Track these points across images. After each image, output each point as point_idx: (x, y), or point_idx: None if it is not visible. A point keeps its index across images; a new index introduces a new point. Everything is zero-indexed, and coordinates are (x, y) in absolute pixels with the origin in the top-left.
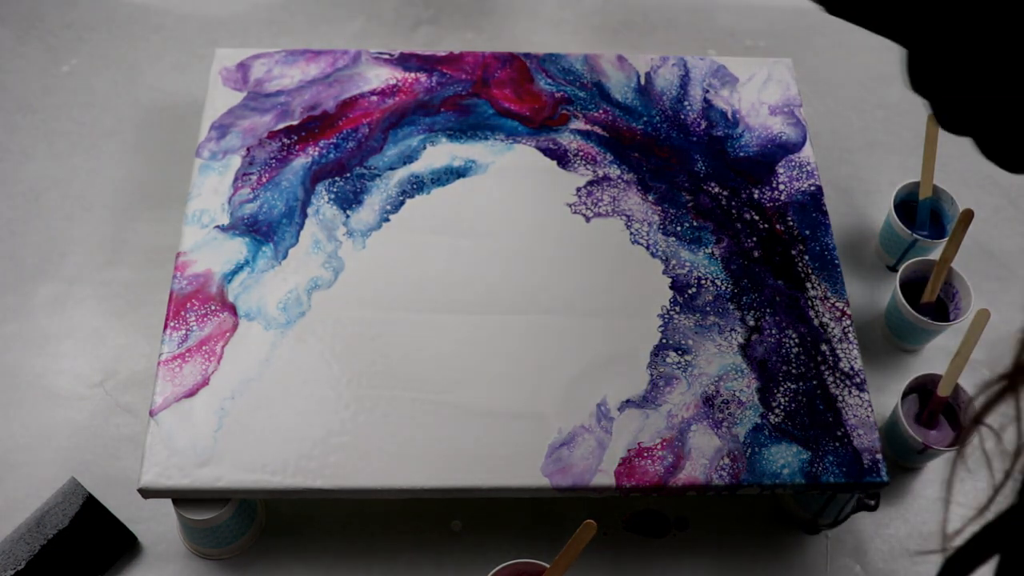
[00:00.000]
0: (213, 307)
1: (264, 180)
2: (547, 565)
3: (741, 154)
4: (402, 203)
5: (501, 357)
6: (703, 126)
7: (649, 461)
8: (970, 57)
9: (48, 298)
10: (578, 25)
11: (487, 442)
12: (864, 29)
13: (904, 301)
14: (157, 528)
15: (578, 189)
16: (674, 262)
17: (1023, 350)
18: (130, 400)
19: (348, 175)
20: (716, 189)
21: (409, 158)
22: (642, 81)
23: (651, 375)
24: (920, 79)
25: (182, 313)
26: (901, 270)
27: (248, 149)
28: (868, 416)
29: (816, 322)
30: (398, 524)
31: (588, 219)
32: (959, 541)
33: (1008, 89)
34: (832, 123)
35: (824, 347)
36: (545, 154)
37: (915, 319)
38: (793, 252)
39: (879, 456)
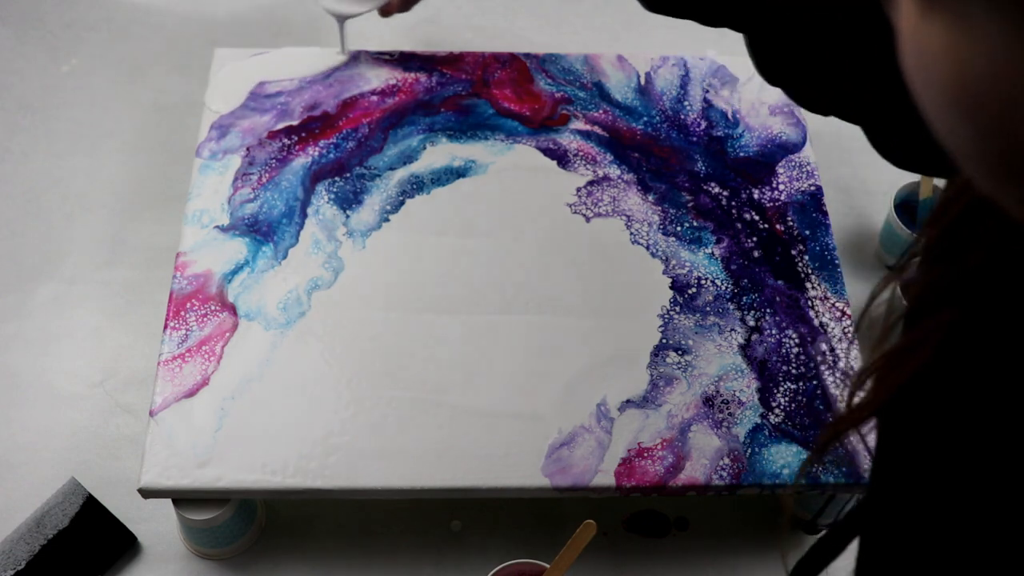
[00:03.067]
0: (213, 307)
1: (264, 180)
2: (547, 565)
3: (741, 154)
4: (402, 203)
5: (501, 357)
6: (703, 126)
7: (649, 461)
8: (809, 42)
9: (48, 298)
10: (578, 25)
11: (487, 442)
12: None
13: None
14: (157, 528)
15: (578, 189)
16: (674, 262)
17: (855, 389)
18: (130, 400)
19: (348, 175)
20: (716, 189)
21: (409, 158)
22: (642, 81)
23: (651, 375)
24: (768, 70)
25: (182, 313)
26: None
27: (248, 149)
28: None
29: (816, 322)
30: (398, 524)
31: (588, 219)
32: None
33: (852, 76)
34: (832, 123)
35: (824, 347)
36: (545, 154)
37: None
38: (793, 252)
39: None
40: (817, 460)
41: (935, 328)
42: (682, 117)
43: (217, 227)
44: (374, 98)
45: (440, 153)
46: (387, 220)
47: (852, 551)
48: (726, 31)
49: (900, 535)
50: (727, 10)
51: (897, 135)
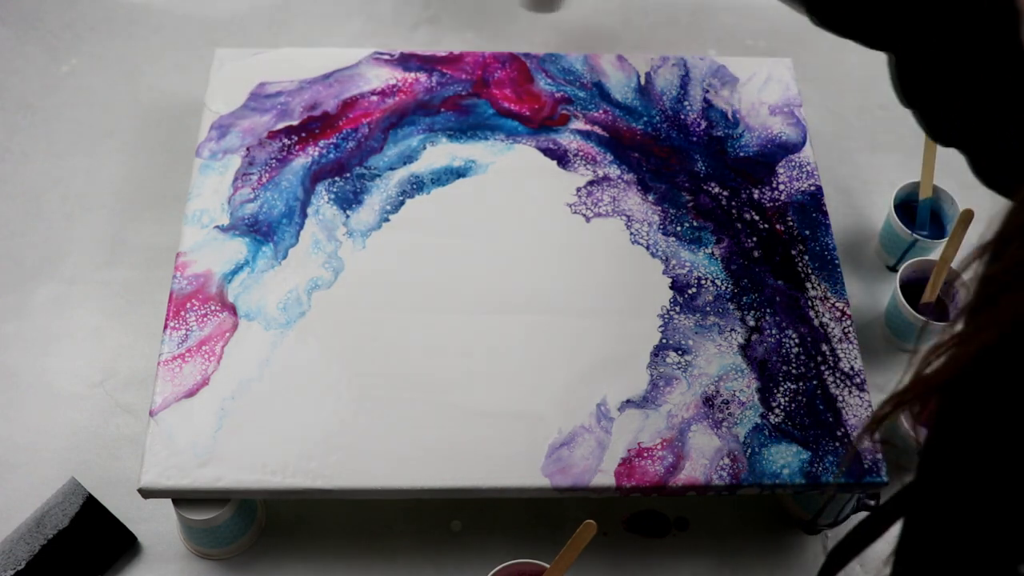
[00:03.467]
0: (213, 307)
1: (264, 180)
2: (547, 565)
3: (741, 154)
4: (402, 203)
5: (501, 357)
6: (703, 126)
7: (649, 461)
8: (957, 72)
9: (48, 298)
10: (578, 25)
11: (487, 442)
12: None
13: (904, 301)
14: (157, 528)
15: (578, 189)
16: (674, 262)
17: (922, 366)
18: (130, 400)
19: (348, 175)
20: (716, 189)
21: (409, 158)
22: (642, 81)
23: (651, 375)
24: (910, 93)
25: (182, 313)
26: (901, 270)
27: (248, 149)
28: (868, 416)
29: (816, 322)
30: (398, 524)
31: (588, 219)
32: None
33: (991, 107)
34: (832, 123)
35: (824, 347)
36: (545, 154)
37: (915, 319)
38: (793, 252)
39: (879, 456)
40: (870, 434)
41: (1003, 313)
42: (682, 117)
43: (217, 227)
44: (374, 98)
45: (440, 153)
46: (387, 220)
47: (885, 539)
48: (725, 31)
49: (947, 517)
50: (889, 34)
51: (1009, 165)
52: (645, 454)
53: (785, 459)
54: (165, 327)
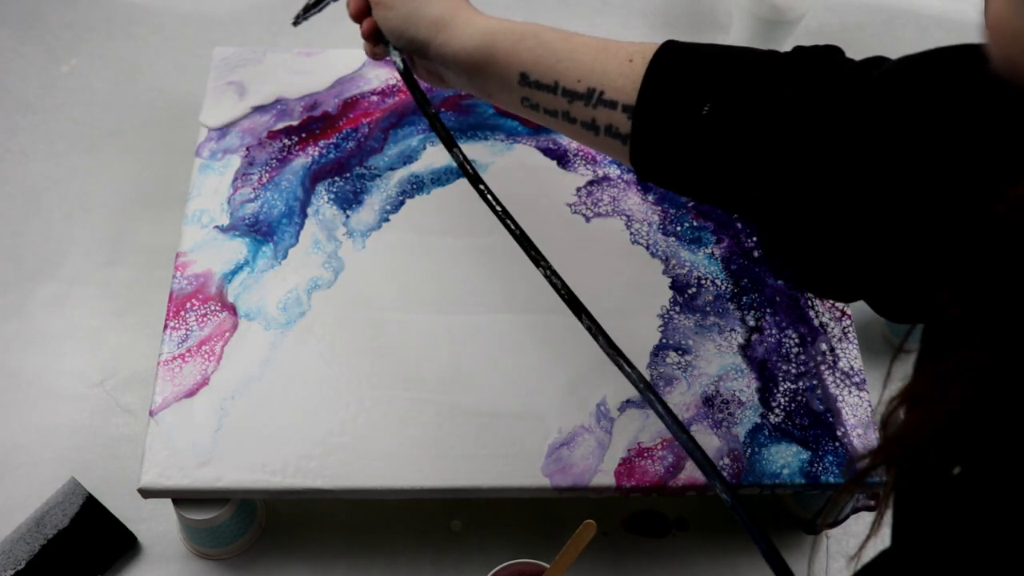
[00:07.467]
0: (213, 307)
1: (264, 180)
2: (547, 565)
3: None
4: (402, 203)
5: (501, 357)
6: None
7: (649, 461)
8: (817, 227)
9: (48, 298)
10: (577, 25)
11: (487, 442)
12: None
13: None
14: (157, 528)
15: (578, 189)
16: (674, 262)
17: (883, 428)
18: (130, 400)
19: (348, 175)
20: None
21: (409, 158)
22: None
23: (651, 375)
24: (774, 252)
25: (182, 313)
26: None
27: (248, 149)
28: (868, 416)
29: (816, 322)
30: (398, 524)
31: (588, 219)
32: None
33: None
34: None
35: (824, 347)
36: (545, 154)
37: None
38: None
39: None
40: (851, 493)
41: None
42: None
43: (217, 227)
44: (374, 98)
45: (440, 153)
46: (387, 220)
47: None
48: (726, 30)
49: None
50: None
51: (903, 297)
52: (645, 454)
53: (785, 459)
54: (165, 327)
